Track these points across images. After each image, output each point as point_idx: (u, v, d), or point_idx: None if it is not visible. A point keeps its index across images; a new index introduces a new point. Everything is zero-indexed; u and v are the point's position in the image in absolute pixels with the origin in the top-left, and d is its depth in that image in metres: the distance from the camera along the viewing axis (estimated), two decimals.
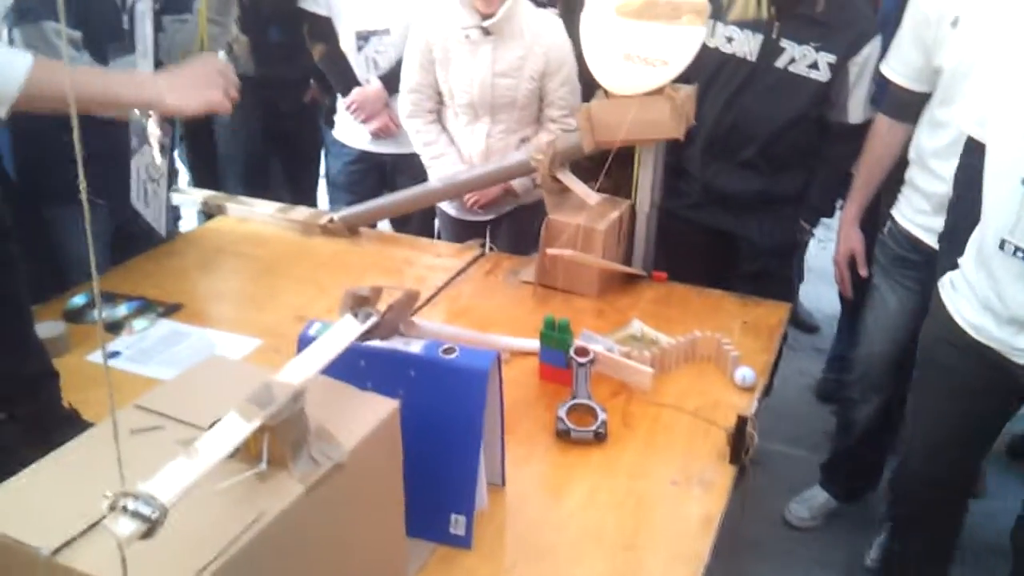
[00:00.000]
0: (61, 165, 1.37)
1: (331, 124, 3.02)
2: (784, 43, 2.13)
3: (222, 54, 2.90)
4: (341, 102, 2.87)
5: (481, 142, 2.48)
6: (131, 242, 2.14)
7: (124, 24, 1.94)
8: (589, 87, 2.09)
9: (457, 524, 1.25)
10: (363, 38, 2.77)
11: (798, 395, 3.20)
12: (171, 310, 1.91)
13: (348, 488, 0.92)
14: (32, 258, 1.40)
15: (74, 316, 1.85)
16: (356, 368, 1.16)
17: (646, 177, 2.05)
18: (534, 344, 1.70)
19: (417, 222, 2.87)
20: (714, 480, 1.43)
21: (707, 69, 2.16)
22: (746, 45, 2.16)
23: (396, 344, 1.21)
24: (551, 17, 2.43)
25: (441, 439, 1.20)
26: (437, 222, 2.88)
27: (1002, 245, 1.57)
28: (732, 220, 2.35)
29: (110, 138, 1.84)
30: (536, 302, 2.00)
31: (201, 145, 3.30)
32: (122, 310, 1.89)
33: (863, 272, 2.30)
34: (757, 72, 2.16)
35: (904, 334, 2.17)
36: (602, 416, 1.51)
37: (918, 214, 2.09)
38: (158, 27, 2.00)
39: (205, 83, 1.61)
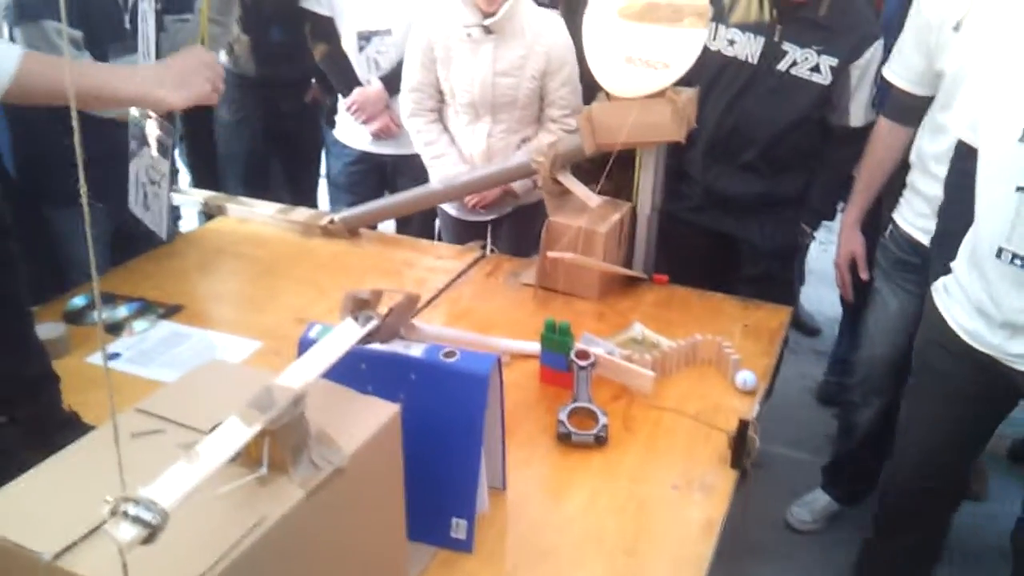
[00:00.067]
0: (61, 166, 1.37)
1: (332, 124, 3.02)
2: (786, 46, 2.13)
3: (223, 54, 2.91)
4: (342, 102, 2.87)
5: (482, 142, 2.48)
6: (131, 242, 2.13)
7: (125, 23, 1.94)
8: (590, 88, 2.09)
9: (458, 528, 1.25)
10: (364, 38, 2.77)
11: (799, 398, 3.20)
12: (171, 311, 1.91)
13: (349, 492, 0.91)
14: (32, 258, 1.40)
15: (74, 317, 1.85)
16: (357, 372, 1.16)
17: (647, 180, 2.05)
18: (535, 347, 1.70)
19: (418, 222, 2.87)
20: (715, 484, 1.43)
21: (709, 72, 2.17)
22: (748, 48, 2.16)
23: (397, 347, 1.20)
24: (553, 16, 2.43)
25: (442, 442, 1.20)
26: (438, 222, 2.88)
27: (999, 253, 1.56)
28: (733, 223, 2.35)
29: (109, 139, 1.84)
30: (536, 304, 2.00)
31: (201, 145, 3.30)
32: (122, 311, 1.89)
33: (864, 275, 2.30)
34: (759, 75, 2.16)
35: (905, 337, 2.16)
36: (603, 420, 1.51)
37: (919, 218, 2.09)
38: (159, 27, 1.99)
39: (193, 76, 1.60)
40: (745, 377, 1.67)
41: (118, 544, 0.66)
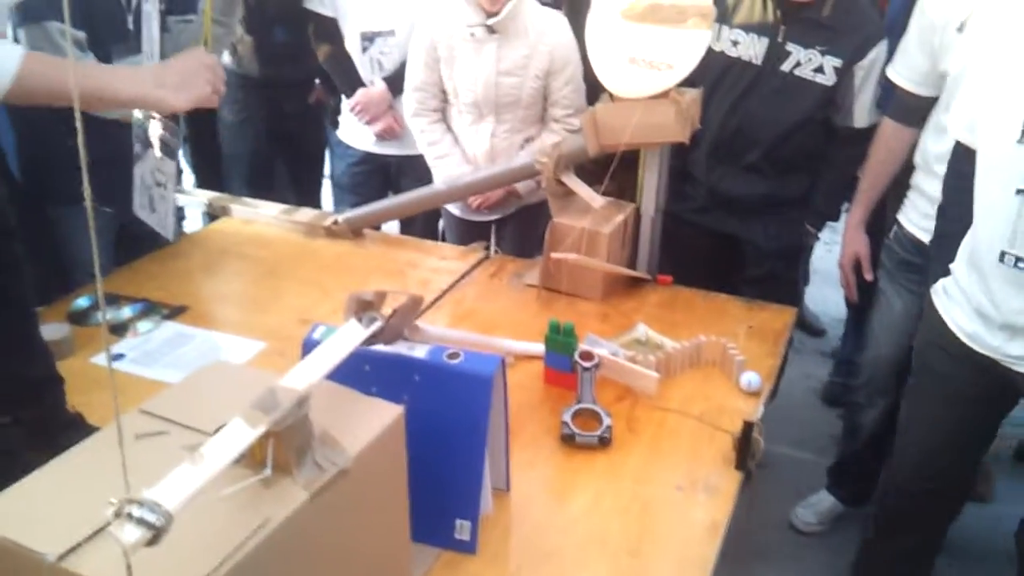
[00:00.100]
0: (65, 166, 1.37)
1: (336, 125, 3.02)
2: (790, 47, 2.12)
3: (226, 54, 2.91)
4: (346, 103, 2.87)
5: (485, 141, 2.48)
6: (136, 243, 2.14)
7: (129, 25, 1.95)
8: (594, 89, 2.09)
9: (462, 529, 1.25)
10: (368, 39, 2.77)
11: (804, 398, 3.20)
12: (176, 312, 1.91)
13: (353, 494, 0.91)
14: (36, 259, 1.40)
15: (78, 318, 1.85)
16: (360, 373, 1.16)
17: (651, 180, 2.05)
18: (539, 348, 1.70)
19: (421, 222, 2.87)
20: (720, 485, 1.43)
21: (712, 72, 2.16)
22: (752, 49, 2.16)
23: (400, 349, 1.20)
24: (556, 16, 2.43)
25: (446, 444, 1.20)
26: (442, 222, 2.88)
27: (1002, 257, 1.55)
28: (737, 224, 2.35)
29: (113, 141, 1.84)
30: (540, 305, 2.00)
31: (205, 146, 3.30)
32: (126, 312, 1.89)
33: (868, 276, 2.30)
34: (762, 76, 2.16)
35: (910, 338, 2.15)
36: (607, 421, 1.51)
37: (924, 218, 2.08)
38: (163, 28, 2.00)
39: (193, 77, 1.60)
40: (749, 378, 1.67)
41: (122, 546, 0.66)
